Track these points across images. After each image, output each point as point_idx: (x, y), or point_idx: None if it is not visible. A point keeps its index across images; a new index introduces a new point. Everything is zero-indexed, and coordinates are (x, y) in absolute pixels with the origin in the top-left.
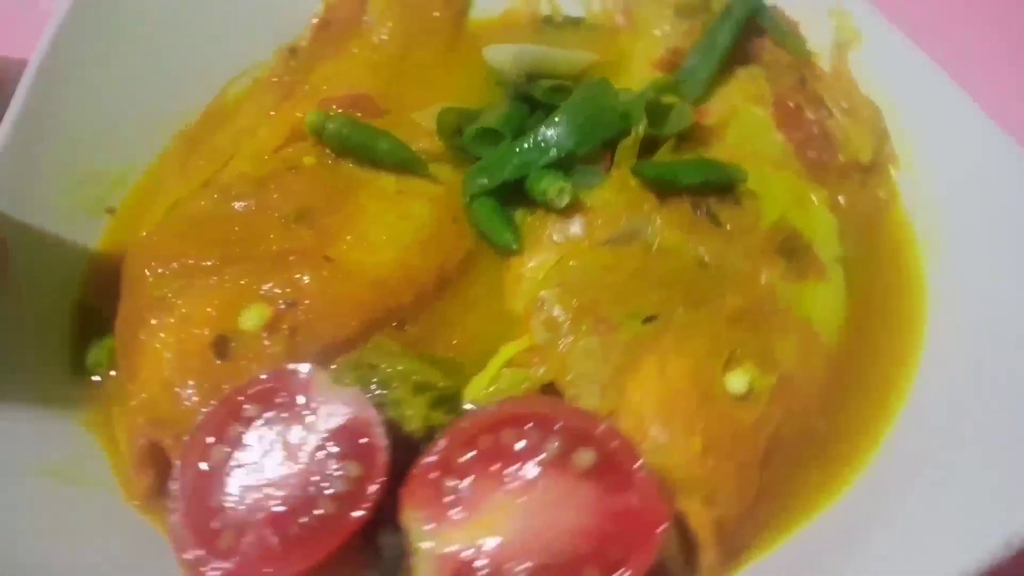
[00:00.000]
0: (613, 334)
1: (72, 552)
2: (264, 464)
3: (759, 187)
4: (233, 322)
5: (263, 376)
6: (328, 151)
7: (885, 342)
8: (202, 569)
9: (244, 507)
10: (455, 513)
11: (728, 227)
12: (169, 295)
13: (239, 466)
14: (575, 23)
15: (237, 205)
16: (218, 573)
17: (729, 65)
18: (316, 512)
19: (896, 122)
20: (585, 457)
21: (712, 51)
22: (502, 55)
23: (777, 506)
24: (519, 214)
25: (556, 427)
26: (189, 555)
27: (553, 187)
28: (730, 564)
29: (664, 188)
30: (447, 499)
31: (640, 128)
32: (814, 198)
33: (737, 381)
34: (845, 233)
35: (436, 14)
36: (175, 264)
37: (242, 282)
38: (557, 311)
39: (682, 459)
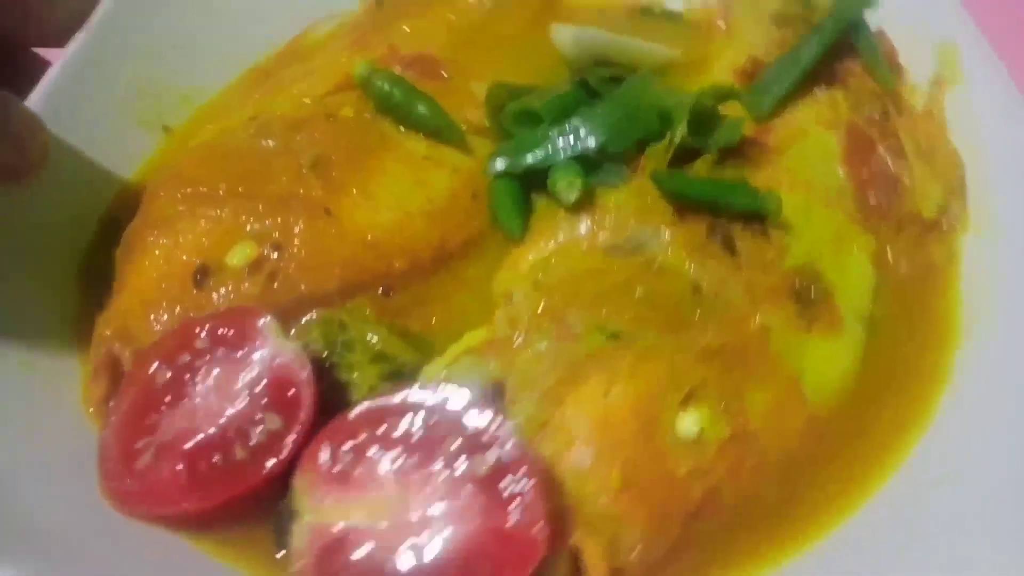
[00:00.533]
0: (571, 343)
1: (12, 432)
2: (197, 399)
3: (798, 221)
4: (220, 255)
5: (220, 313)
6: (369, 105)
7: (884, 424)
8: (112, 483)
9: (168, 435)
10: (341, 490)
11: (742, 258)
12: (172, 217)
13: (175, 395)
14: (673, 17)
15: (263, 143)
16: (124, 489)
17: (810, 83)
18: (230, 455)
19: (979, 179)
20: (479, 465)
21: (793, 67)
22: (566, 36)
23: (696, 567)
24: (541, 202)
25: (461, 428)
26: (106, 466)
27: (564, 180)
28: None
29: (682, 202)
30: (337, 474)
31: (676, 134)
32: (857, 246)
33: (687, 423)
34: (882, 291)
35: None
36: (188, 189)
37: (240, 218)
38: (523, 307)
39: (597, 491)
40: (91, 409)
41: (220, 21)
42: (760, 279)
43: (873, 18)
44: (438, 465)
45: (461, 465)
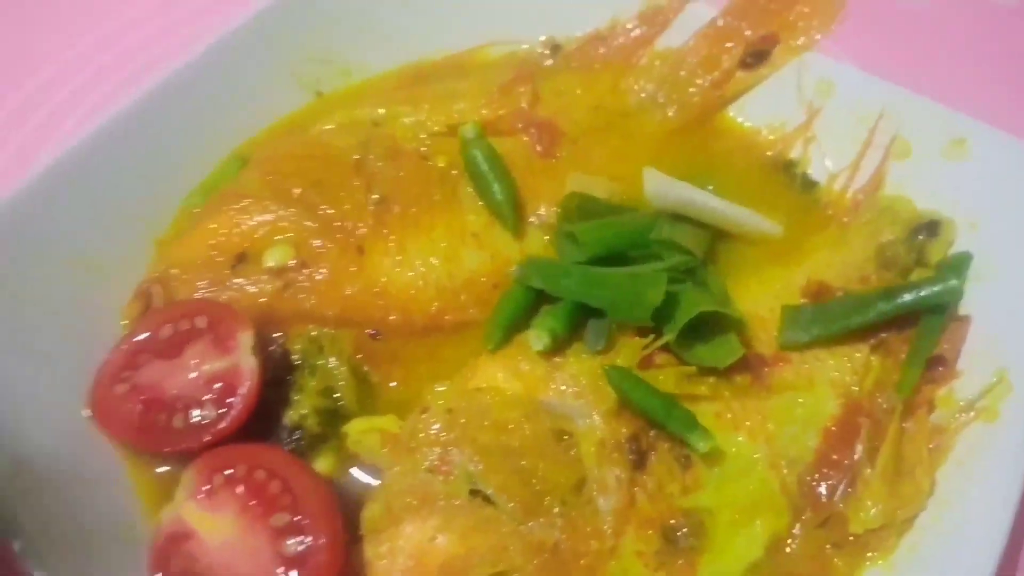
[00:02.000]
0: (439, 478)
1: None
2: (175, 363)
3: (729, 471)
4: (260, 250)
5: (226, 308)
6: (460, 163)
7: None
8: (95, 393)
9: (144, 379)
10: (205, 501)
11: (645, 478)
12: (249, 196)
13: (165, 352)
14: (808, 186)
15: (356, 157)
16: (99, 404)
17: (855, 333)
18: (171, 421)
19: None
20: (293, 546)
21: (849, 318)
22: (651, 183)
23: None
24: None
25: (287, 487)
26: (98, 377)
27: (537, 328)
28: None
29: (624, 399)
30: (208, 490)
31: (662, 340)
32: (764, 522)
33: None
34: (761, 570)
35: (695, 89)
36: (271, 175)
37: (294, 224)
38: (427, 424)
39: None
40: (124, 323)
41: (405, 10)
42: (644, 506)
43: (971, 298)
44: (269, 519)
45: (282, 537)
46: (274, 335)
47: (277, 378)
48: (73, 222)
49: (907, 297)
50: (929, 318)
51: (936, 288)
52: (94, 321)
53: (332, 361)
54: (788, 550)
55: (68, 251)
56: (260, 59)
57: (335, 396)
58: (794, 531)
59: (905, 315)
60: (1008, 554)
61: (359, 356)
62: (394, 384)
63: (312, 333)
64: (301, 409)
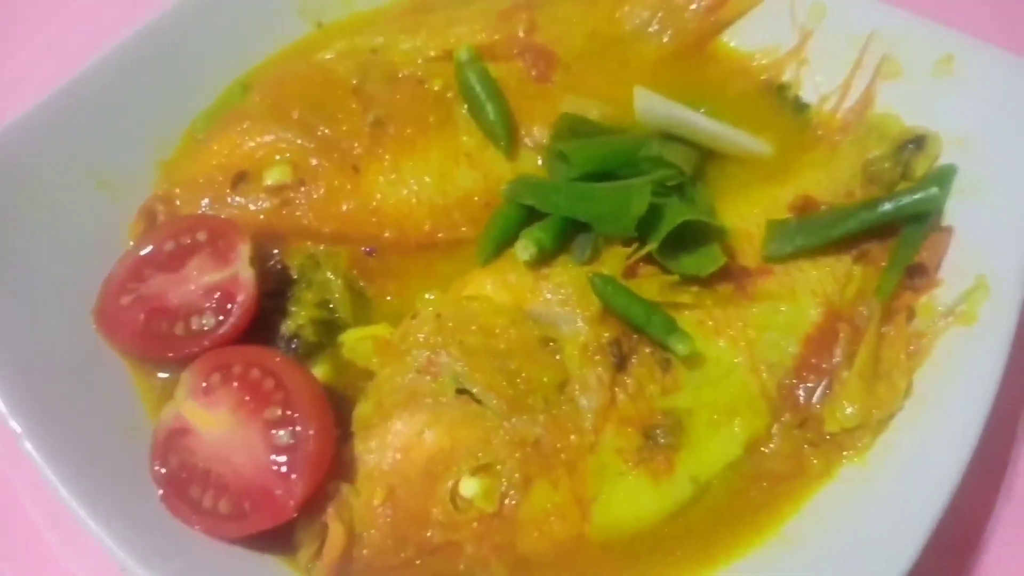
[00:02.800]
0: (427, 378)
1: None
2: (178, 275)
3: (709, 374)
4: (261, 170)
5: (224, 221)
6: (455, 85)
7: None
8: (101, 304)
9: (149, 290)
10: (202, 398)
11: (625, 379)
12: (252, 118)
13: (168, 265)
14: (799, 108)
15: (355, 82)
16: (104, 314)
17: (836, 244)
18: (172, 327)
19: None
20: (273, 416)
21: (831, 228)
22: (641, 101)
23: None
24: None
25: (280, 384)
26: (104, 290)
27: (524, 239)
28: None
29: (607, 306)
30: (206, 386)
31: (645, 248)
32: (743, 422)
33: (467, 485)
34: (740, 468)
35: (693, 16)
36: (272, 99)
37: (293, 144)
38: (417, 328)
39: (365, 493)
40: (131, 241)
41: None
42: (624, 405)
43: (957, 210)
44: (262, 413)
45: (274, 425)
46: (273, 251)
47: (275, 291)
48: (84, 142)
49: (888, 206)
50: (910, 227)
51: (917, 196)
52: (102, 238)
53: (328, 275)
54: (766, 450)
55: (79, 169)
56: None
57: (331, 308)
58: (772, 432)
59: (887, 225)
60: (981, 451)
61: (355, 271)
62: (389, 298)
63: (310, 249)
64: (298, 320)
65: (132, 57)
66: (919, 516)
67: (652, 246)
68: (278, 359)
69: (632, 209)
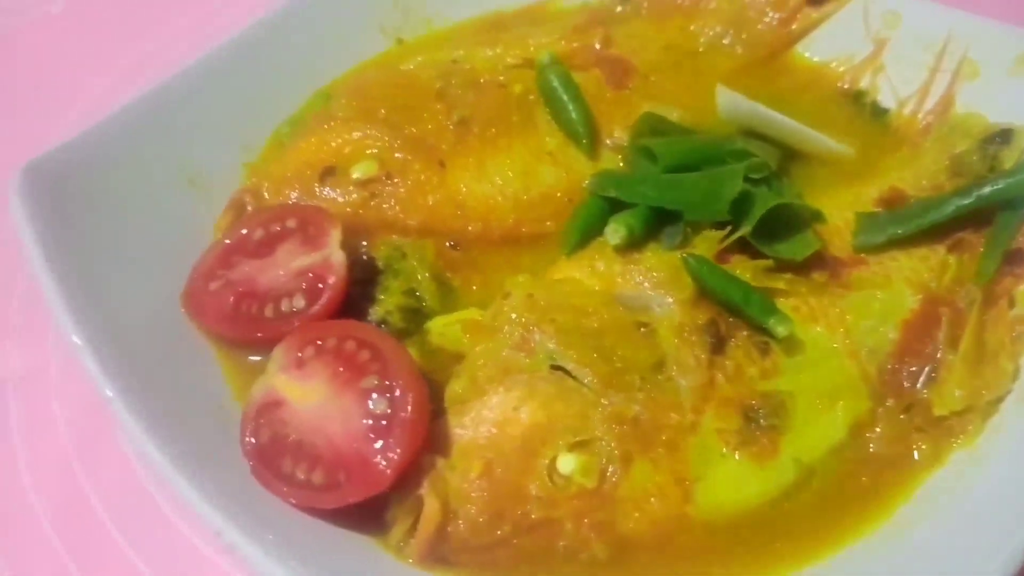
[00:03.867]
0: (521, 354)
1: None
2: (267, 260)
3: (809, 358)
4: (348, 164)
5: (314, 208)
6: (536, 89)
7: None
8: (190, 288)
9: (238, 275)
10: (295, 371)
11: (724, 361)
12: (339, 119)
13: (257, 251)
14: (878, 113)
15: (439, 87)
16: (193, 298)
17: (930, 232)
18: (263, 309)
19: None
20: (369, 384)
21: (921, 217)
22: (724, 100)
23: (507, 568)
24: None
25: (376, 355)
26: (193, 275)
27: (614, 224)
28: (427, 565)
29: (703, 289)
30: (297, 359)
31: (739, 231)
32: (846, 406)
33: (565, 461)
34: (845, 453)
35: (766, 29)
36: (357, 102)
37: (379, 141)
38: (510, 309)
39: (461, 468)
40: (219, 234)
41: None
42: (723, 387)
43: None
44: (358, 382)
45: (370, 394)
46: (360, 244)
47: (362, 280)
48: (178, 140)
49: (982, 191)
50: (1006, 213)
51: (1011, 180)
52: (191, 232)
53: (415, 265)
54: (871, 435)
55: (171, 165)
56: (347, 7)
57: (417, 296)
58: (877, 417)
59: (981, 214)
60: None
61: (440, 263)
62: (475, 287)
63: (396, 242)
64: (386, 306)
65: (220, 65)
66: None
67: (746, 228)
68: (372, 331)
69: (725, 192)
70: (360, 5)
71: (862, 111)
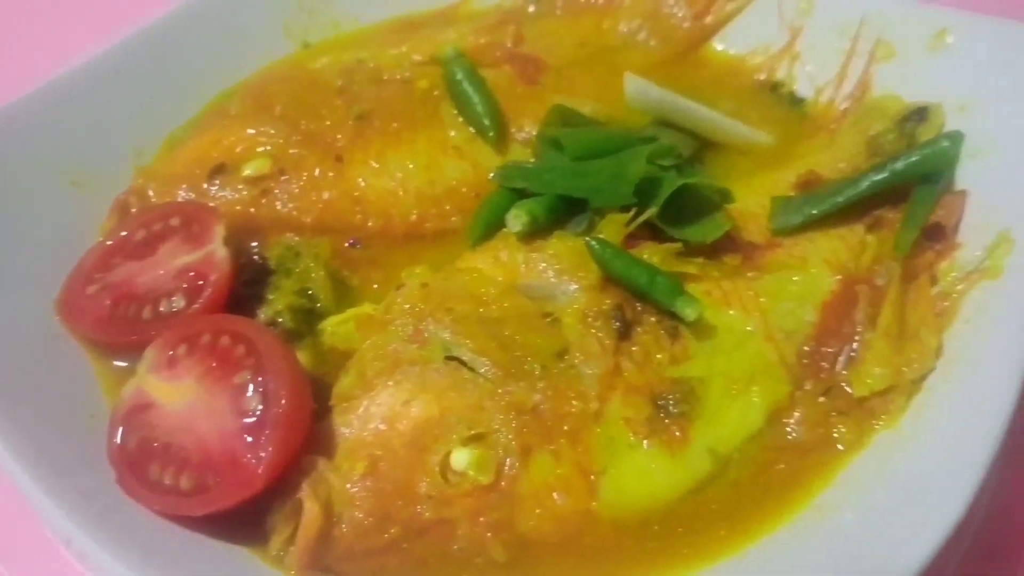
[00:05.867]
0: (413, 346)
1: None
2: (147, 261)
3: (723, 343)
4: (240, 162)
5: (197, 204)
6: (442, 84)
7: (669, 558)
8: (65, 293)
9: (116, 278)
10: (166, 371)
11: (630, 347)
12: (233, 116)
13: (138, 252)
14: (795, 103)
15: (340, 83)
16: (68, 302)
17: (846, 212)
18: (140, 311)
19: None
20: (242, 380)
21: (836, 196)
22: (632, 87)
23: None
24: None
25: (251, 349)
26: (70, 280)
27: (514, 211)
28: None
29: (606, 272)
30: (170, 358)
31: (645, 213)
32: (762, 391)
33: (459, 457)
34: (763, 439)
35: (681, 23)
36: (253, 99)
37: (273, 138)
38: (403, 299)
39: (344, 468)
40: (100, 237)
41: None
42: (630, 374)
43: (968, 173)
44: (230, 379)
45: (243, 390)
46: (251, 244)
47: (253, 281)
48: (59, 141)
49: (898, 165)
50: (922, 187)
51: (927, 151)
52: (74, 234)
53: (309, 264)
54: (790, 420)
55: (52, 167)
56: (251, 7)
57: (311, 296)
58: (796, 401)
59: (899, 189)
60: (1020, 406)
61: (337, 262)
62: (376, 286)
63: (290, 241)
64: (276, 306)
65: (115, 64)
66: (959, 479)
67: (653, 210)
68: (249, 326)
69: (629, 175)
70: (263, 6)
71: (780, 101)
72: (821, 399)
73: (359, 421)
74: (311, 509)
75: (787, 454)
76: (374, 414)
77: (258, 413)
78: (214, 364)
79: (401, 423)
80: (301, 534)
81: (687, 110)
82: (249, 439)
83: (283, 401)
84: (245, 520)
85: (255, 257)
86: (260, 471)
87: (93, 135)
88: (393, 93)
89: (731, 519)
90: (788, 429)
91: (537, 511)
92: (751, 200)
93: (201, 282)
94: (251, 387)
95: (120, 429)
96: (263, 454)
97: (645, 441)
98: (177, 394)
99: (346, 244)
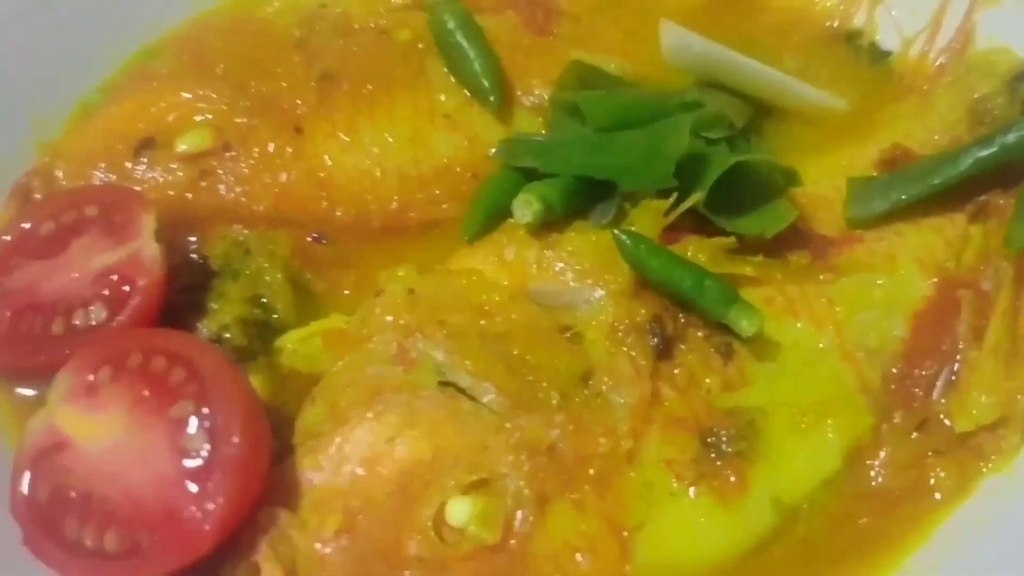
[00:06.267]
0: (397, 369)
1: None
2: (57, 262)
3: (787, 364)
4: (173, 135)
5: (120, 189)
6: (428, 36)
7: None
8: None
9: (17, 283)
10: (84, 400)
11: (673, 369)
12: (160, 77)
13: (45, 251)
14: (878, 57)
15: (297, 35)
16: None
17: (943, 200)
18: (49, 325)
19: None
20: (182, 413)
21: (928, 178)
22: (670, 39)
23: None
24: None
25: (194, 373)
26: None
27: (523, 197)
28: None
29: (644, 277)
30: (89, 385)
31: (690, 200)
32: (838, 427)
33: (458, 508)
34: (838, 486)
35: None
36: (189, 55)
37: (215, 104)
38: (384, 310)
39: (313, 524)
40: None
41: None
42: (672, 403)
43: None
44: (167, 411)
45: (184, 425)
46: (188, 239)
47: (191, 286)
48: None
49: (1010, 138)
50: None
51: None
52: None
53: (263, 265)
54: (875, 462)
55: None
56: None
57: (265, 305)
58: (882, 438)
59: (1011, 168)
60: None
61: (297, 261)
62: (347, 292)
63: (237, 235)
64: (221, 318)
65: (7, 14)
66: None
67: (698, 196)
68: (190, 343)
69: (669, 151)
70: None
71: (857, 55)
72: (914, 435)
73: (330, 464)
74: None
75: (871, 504)
76: (349, 455)
77: (204, 454)
78: (146, 392)
79: (384, 466)
80: None
81: (739, 68)
82: (193, 487)
83: (235, 439)
84: None
85: (193, 256)
86: (207, 528)
87: None
88: (365, 47)
89: None
90: (872, 473)
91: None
92: (822, 182)
93: (127, 288)
94: (194, 421)
95: (27, 475)
96: (211, 506)
97: (691, 488)
98: (99, 430)
99: (309, 239)
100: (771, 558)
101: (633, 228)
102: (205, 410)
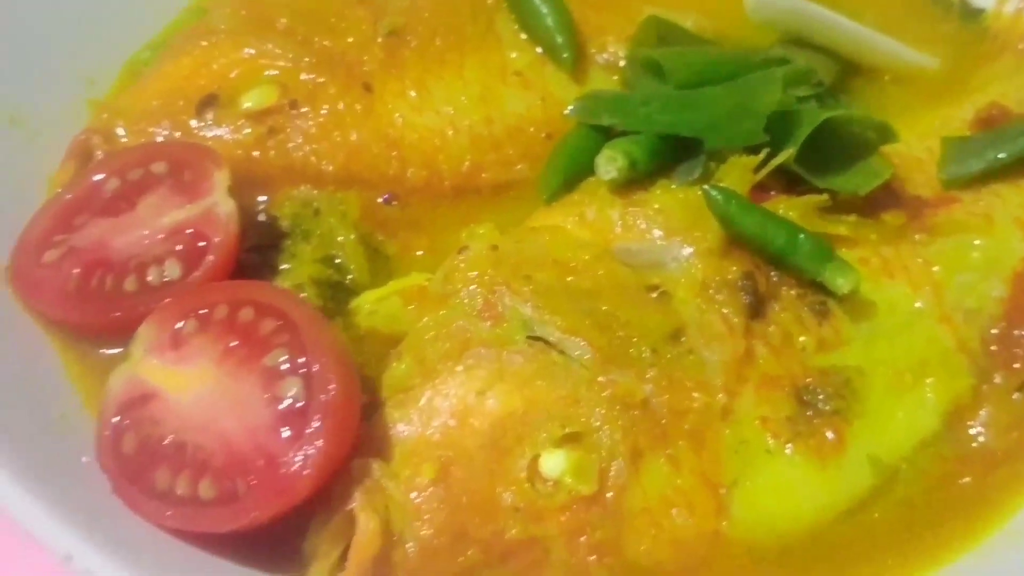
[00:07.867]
0: (486, 324)
1: None
2: (126, 219)
3: (885, 323)
4: (237, 92)
5: (188, 145)
6: None
7: None
8: (18, 259)
9: (84, 241)
10: (170, 352)
11: (770, 328)
12: (221, 32)
13: (110, 208)
14: (970, 15)
15: None
16: (22, 271)
17: None
18: (120, 283)
19: None
20: (289, 387)
21: None
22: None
23: None
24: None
25: (286, 323)
26: (22, 244)
27: (607, 154)
28: None
29: (734, 234)
30: (172, 336)
31: (781, 155)
32: (938, 388)
33: (552, 460)
34: (939, 449)
35: None
36: (247, 9)
37: (279, 59)
38: (468, 267)
39: (406, 474)
40: (57, 190)
41: None
42: (766, 361)
43: None
44: (260, 360)
45: (278, 374)
46: (256, 199)
47: (261, 246)
48: None
49: None
50: None
51: None
52: (18, 189)
53: (334, 225)
54: (974, 422)
55: None
56: None
57: (339, 266)
58: (981, 398)
59: None
60: None
61: (368, 224)
62: (420, 253)
63: (306, 196)
64: (296, 277)
65: None
66: None
67: (789, 152)
68: (278, 293)
69: (759, 106)
70: None
71: (949, 12)
72: (1015, 395)
73: (421, 416)
74: (367, 525)
75: (971, 465)
76: (440, 408)
77: (301, 401)
78: (236, 343)
79: (476, 419)
80: (353, 557)
81: (827, 24)
82: (289, 433)
83: (332, 386)
84: (279, 540)
85: (262, 216)
86: (307, 472)
87: (34, 66)
88: (433, 2)
89: (900, 547)
90: (972, 433)
91: (652, 531)
92: (914, 143)
93: (202, 244)
94: (289, 369)
95: (113, 427)
96: (311, 450)
97: (788, 446)
98: (187, 381)
99: (379, 200)
100: (869, 519)
101: (722, 184)
102: (300, 359)
